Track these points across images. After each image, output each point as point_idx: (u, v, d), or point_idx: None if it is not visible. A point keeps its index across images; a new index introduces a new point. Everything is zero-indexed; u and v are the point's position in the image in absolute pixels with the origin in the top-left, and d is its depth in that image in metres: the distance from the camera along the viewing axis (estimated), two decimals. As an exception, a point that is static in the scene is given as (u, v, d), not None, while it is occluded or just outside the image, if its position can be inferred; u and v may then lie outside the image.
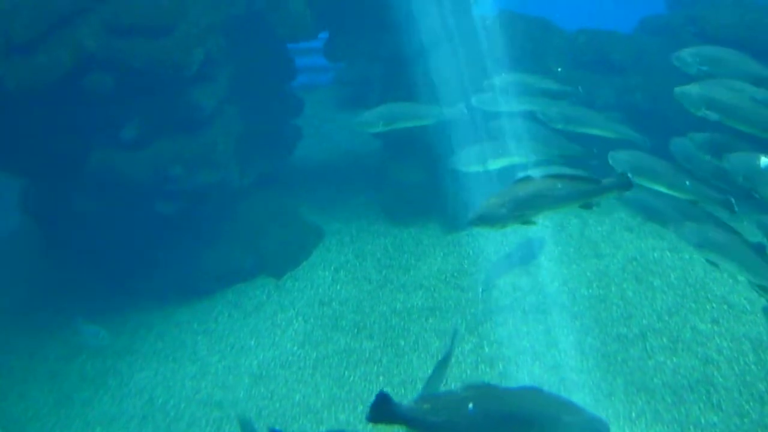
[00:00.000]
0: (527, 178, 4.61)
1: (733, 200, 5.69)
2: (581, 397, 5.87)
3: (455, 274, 7.88)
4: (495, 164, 7.18)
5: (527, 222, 4.65)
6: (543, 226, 8.50)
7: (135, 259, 8.09)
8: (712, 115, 5.87)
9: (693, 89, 6.02)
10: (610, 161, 6.37)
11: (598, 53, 9.76)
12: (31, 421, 6.68)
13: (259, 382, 6.70)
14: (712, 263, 5.43)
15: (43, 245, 8.92)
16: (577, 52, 9.89)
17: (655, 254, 7.74)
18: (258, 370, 6.86)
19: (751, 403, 5.63)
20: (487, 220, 4.57)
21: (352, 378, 6.54)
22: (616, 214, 8.53)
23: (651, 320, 6.71)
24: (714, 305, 6.85)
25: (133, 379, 7.02)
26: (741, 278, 6.06)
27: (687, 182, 5.88)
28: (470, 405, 3.29)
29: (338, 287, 8.00)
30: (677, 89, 6.15)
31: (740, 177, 5.51)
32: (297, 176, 7.40)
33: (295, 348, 7.10)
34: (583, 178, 4.73)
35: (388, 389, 6.25)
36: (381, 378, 6.47)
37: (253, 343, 7.29)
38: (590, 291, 7.27)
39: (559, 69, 9.19)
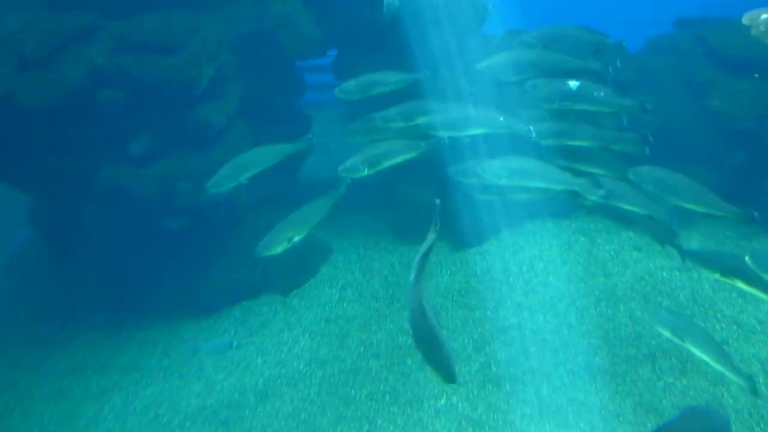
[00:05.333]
0: (418, 271, 4.63)
1: (531, 128, 6.50)
2: (589, 419, 5.83)
3: (462, 292, 7.85)
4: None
5: None
6: (551, 245, 8.50)
7: (142, 275, 8.10)
8: (516, 78, 6.67)
9: (498, 58, 6.78)
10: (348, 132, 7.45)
11: (604, 72, 9.76)
12: (36, 437, 6.68)
13: (265, 400, 6.66)
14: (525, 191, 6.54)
15: (51, 260, 8.94)
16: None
17: (664, 274, 7.70)
18: (263, 389, 6.82)
19: (762, 425, 5.57)
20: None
21: (358, 397, 6.49)
22: (625, 234, 8.50)
23: (660, 340, 6.65)
24: (723, 325, 6.80)
25: (139, 396, 7.00)
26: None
27: (501, 118, 6.67)
28: None
29: (345, 305, 7.98)
30: (479, 64, 6.85)
31: (555, 103, 6.43)
32: (305, 193, 7.42)
33: (302, 366, 7.07)
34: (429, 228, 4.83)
35: (394, 409, 6.23)
36: (387, 397, 6.42)
37: (259, 360, 7.26)
38: (598, 310, 7.22)
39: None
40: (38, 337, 8.24)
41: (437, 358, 4.15)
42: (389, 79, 7.56)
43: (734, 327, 6.75)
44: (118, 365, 7.55)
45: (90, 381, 7.35)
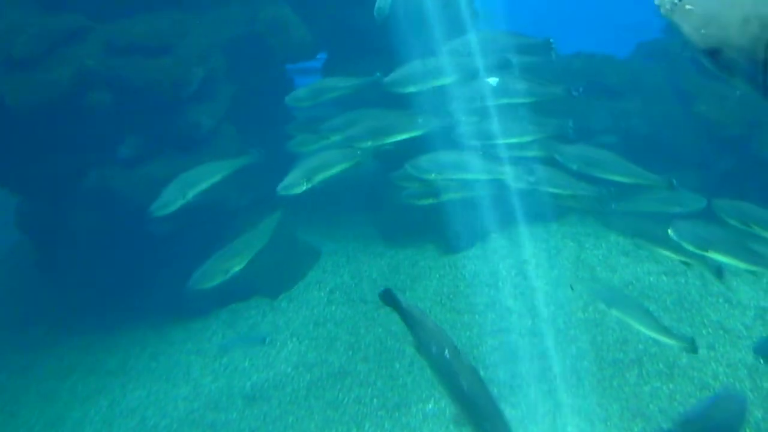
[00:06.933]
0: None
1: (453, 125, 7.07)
2: (577, 422, 5.84)
3: (451, 296, 7.86)
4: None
5: None
6: (540, 249, 8.52)
7: (130, 278, 8.06)
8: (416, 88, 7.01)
9: (403, 70, 7.06)
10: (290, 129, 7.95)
11: (594, 77, 9.82)
12: (22, 441, 6.63)
13: (252, 403, 6.64)
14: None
15: (39, 262, 8.89)
16: (573, 76, 9.94)
17: (651, 278, 7.73)
18: (251, 392, 6.80)
19: (748, 431, 5.59)
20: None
21: (346, 400, 6.48)
22: (613, 238, 8.54)
23: (647, 345, 6.68)
24: (710, 330, 6.83)
25: (126, 399, 6.96)
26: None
27: (419, 120, 7.06)
28: None
29: (333, 308, 7.97)
30: (385, 79, 7.08)
31: (477, 101, 6.93)
32: (293, 197, 7.43)
33: (289, 369, 7.05)
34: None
35: (382, 413, 6.22)
36: (375, 401, 6.41)
37: (246, 363, 7.24)
38: (586, 315, 7.24)
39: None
40: (26, 340, 8.19)
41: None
42: (339, 85, 7.65)
43: (721, 332, 6.78)
44: (106, 368, 7.51)
45: (77, 384, 7.32)
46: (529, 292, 7.68)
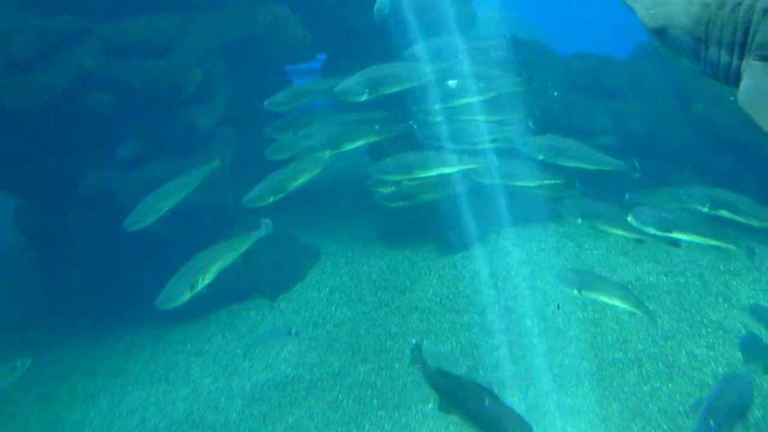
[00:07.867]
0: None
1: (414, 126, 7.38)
2: (576, 422, 5.84)
3: (450, 296, 7.86)
4: None
5: None
6: (539, 249, 8.53)
7: (129, 279, 8.04)
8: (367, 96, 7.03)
9: (352, 80, 7.05)
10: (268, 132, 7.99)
11: (593, 77, 9.84)
12: (21, 442, 6.62)
13: (252, 404, 6.64)
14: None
15: (38, 263, 8.88)
16: (573, 76, 9.96)
17: (651, 278, 7.74)
18: (251, 393, 6.80)
19: (749, 430, 5.59)
20: None
21: (345, 401, 6.48)
22: (612, 238, 8.53)
23: (646, 345, 6.69)
24: (709, 330, 6.83)
25: (125, 400, 6.95)
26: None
27: (376, 126, 7.29)
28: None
29: (333, 309, 7.97)
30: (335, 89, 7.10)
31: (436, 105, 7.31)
32: (292, 198, 7.44)
33: (289, 370, 7.04)
34: None
35: (381, 413, 6.22)
36: (375, 401, 6.41)
37: (246, 365, 7.23)
38: (585, 315, 7.25)
39: (556, 93, 9.26)
40: (24, 341, 8.17)
41: None
42: (316, 88, 7.79)
43: (720, 332, 6.79)
44: (105, 369, 7.50)
45: (76, 385, 7.30)
46: (529, 293, 7.69)
